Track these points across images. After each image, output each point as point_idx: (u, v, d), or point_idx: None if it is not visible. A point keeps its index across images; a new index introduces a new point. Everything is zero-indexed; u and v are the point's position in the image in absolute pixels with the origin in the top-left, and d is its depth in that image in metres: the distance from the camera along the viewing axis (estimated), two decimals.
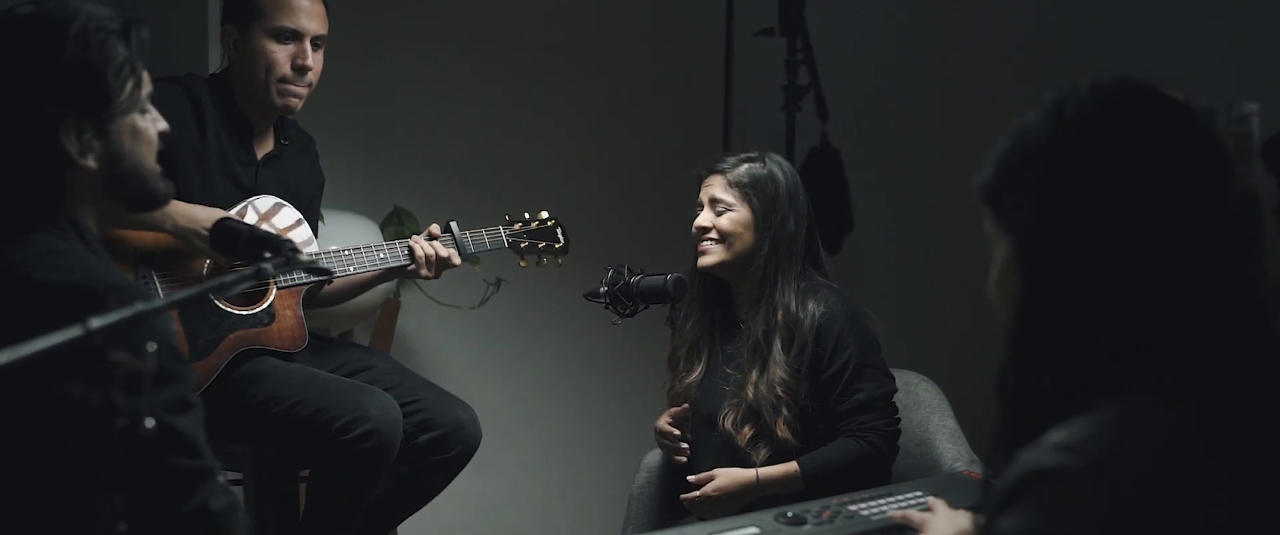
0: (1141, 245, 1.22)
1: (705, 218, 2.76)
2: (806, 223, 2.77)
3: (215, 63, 2.99)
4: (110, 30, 1.68)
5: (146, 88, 1.74)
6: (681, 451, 2.81)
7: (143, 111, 1.74)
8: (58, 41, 1.65)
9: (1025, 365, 1.26)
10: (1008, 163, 1.29)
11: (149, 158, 1.76)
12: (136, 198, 1.78)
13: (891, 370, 2.77)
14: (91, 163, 1.69)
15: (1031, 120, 1.29)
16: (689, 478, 2.73)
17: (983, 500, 1.25)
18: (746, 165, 2.75)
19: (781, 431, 2.66)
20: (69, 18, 1.66)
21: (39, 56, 1.64)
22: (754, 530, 1.90)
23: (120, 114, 1.70)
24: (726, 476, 2.68)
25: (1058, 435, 1.18)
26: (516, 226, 3.02)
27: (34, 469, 1.62)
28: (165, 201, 1.82)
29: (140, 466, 1.58)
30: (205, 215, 2.52)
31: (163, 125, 1.78)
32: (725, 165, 2.76)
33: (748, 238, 2.73)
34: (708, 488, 2.68)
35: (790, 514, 1.96)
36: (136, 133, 1.73)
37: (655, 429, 2.86)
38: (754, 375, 2.71)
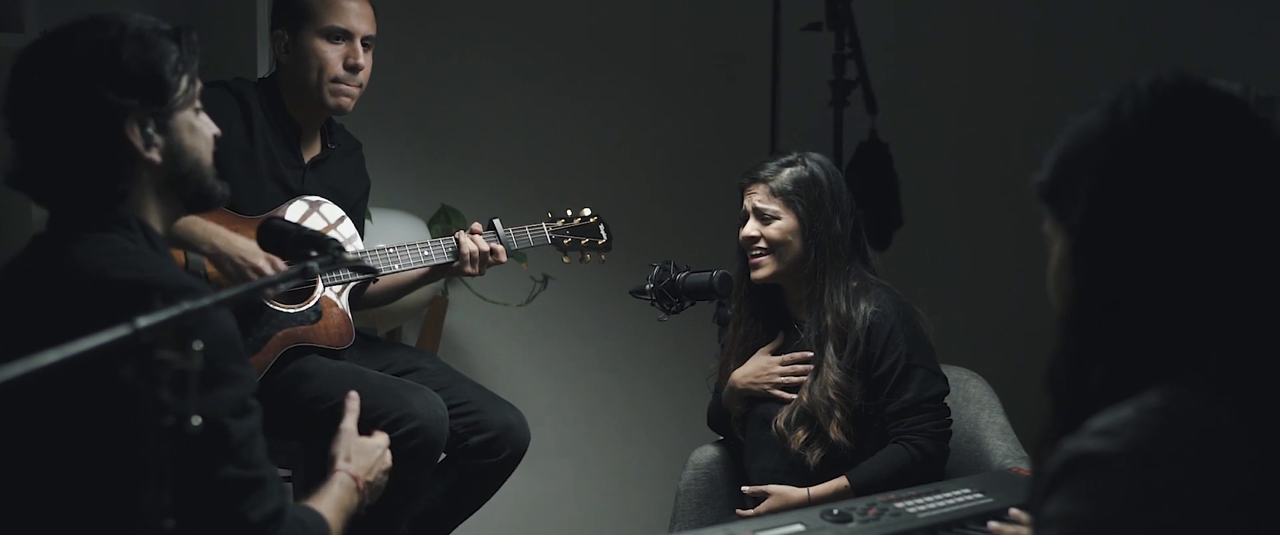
0: (1191, 238, 1.22)
1: (752, 228, 2.74)
2: (852, 220, 2.75)
3: (263, 68, 3.01)
4: (162, 31, 1.76)
5: (199, 88, 1.80)
6: (800, 377, 2.75)
7: (197, 111, 1.80)
8: (116, 40, 1.71)
9: (1076, 356, 1.26)
10: (1064, 159, 1.31)
11: (207, 155, 1.82)
12: (196, 195, 1.82)
13: (943, 372, 2.75)
14: (155, 156, 1.74)
15: (1089, 117, 1.30)
16: (744, 489, 2.72)
17: (1031, 489, 1.25)
18: (788, 170, 2.73)
19: (835, 434, 2.65)
20: (124, 21, 1.74)
21: (99, 55, 1.71)
22: (799, 528, 1.89)
23: (178, 109, 1.76)
24: (780, 497, 2.66)
25: (1099, 421, 1.19)
26: (559, 223, 3.03)
27: (93, 464, 1.65)
28: (222, 202, 1.87)
29: (188, 468, 1.61)
30: (242, 244, 2.55)
31: (214, 129, 1.84)
32: (766, 173, 2.74)
33: (796, 245, 2.71)
34: (761, 507, 2.67)
35: (836, 511, 1.95)
36: (195, 129, 1.79)
37: (765, 377, 2.81)
38: (808, 379, 2.70)
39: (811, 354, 2.73)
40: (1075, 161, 1.29)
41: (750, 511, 2.67)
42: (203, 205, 1.86)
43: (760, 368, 2.78)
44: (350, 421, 2.07)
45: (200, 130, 1.80)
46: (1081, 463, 1.17)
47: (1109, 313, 1.25)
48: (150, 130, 1.73)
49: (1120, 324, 1.24)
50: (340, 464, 2.00)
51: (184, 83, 1.76)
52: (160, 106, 1.74)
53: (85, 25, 1.73)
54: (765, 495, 2.68)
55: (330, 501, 1.93)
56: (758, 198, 2.73)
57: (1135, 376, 1.22)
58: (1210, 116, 1.26)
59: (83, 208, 1.75)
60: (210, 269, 2.58)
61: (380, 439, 2.10)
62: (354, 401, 2.10)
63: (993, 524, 1.91)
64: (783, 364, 2.76)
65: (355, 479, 1.98)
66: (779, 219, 2.71)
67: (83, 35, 1.72)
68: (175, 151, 1.76)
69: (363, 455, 2.05)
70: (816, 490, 2.64)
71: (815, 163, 2.74)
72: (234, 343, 1.70)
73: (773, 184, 2.72)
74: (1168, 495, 1.15)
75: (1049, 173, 1.32)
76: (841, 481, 2.64)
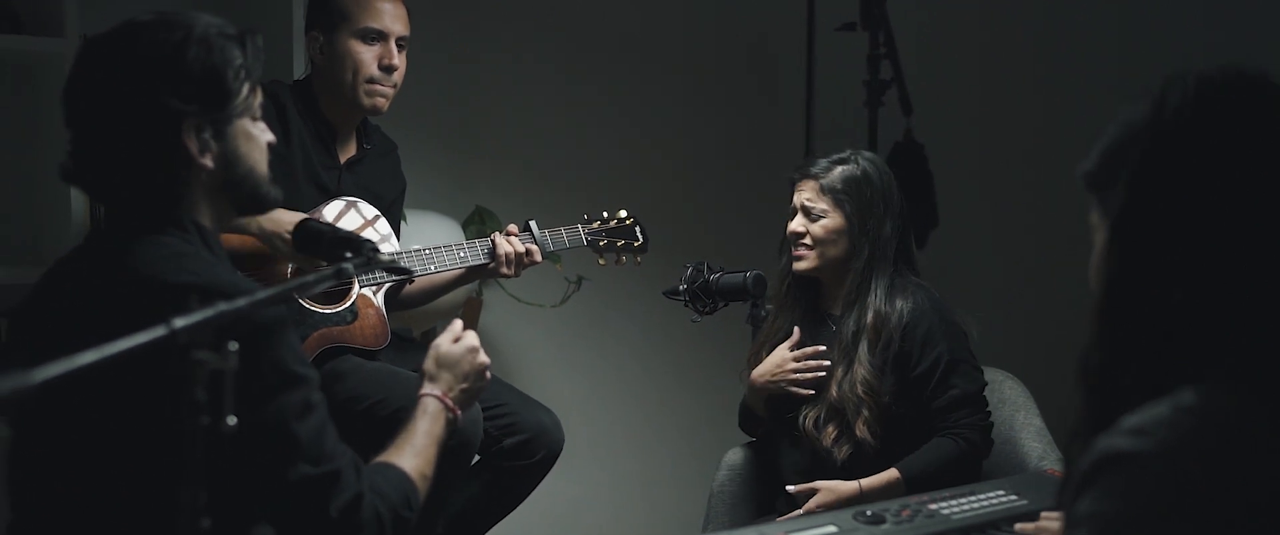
0: (1229, 231, 1.21)
1: (799, 223, 2.73)
2: (901, 222, 2.74)
3: (300, 70, 3.03)
4: (228, 35, 1.76)
5: (259, 96, 1.80)
6: (816, 372, 2.73)
7: (255, 118, 1.80)
8: (180, 43, 1.71)
9: (1109, 350, 1.25)
10: (1110, 149, 1.31)
11: (262, 163, 1.82)
12: (248, 201, 1.83)
13: (980, 366, 2.74)
14: (209, 162, 1.74)
15: (1136, 108, 1.29)
16: (789, 488, 2.68)
17: (1062, 487, 1.25)
18: (839, 168, 2.71)
19: (861, 431, 2.64)
20: (190, 23, 1.74)
21: (163, 57, 1.71)
22: (832, 529, 1.88)
23: (237, 116, 1.77)
24: (830, 490, 2.62)
25: (1132, 419, 1.18)
26: (595, 225, 3.03)
27: (134, 464, 1.67)
28: (275, 206, 1.87)
29: (260, 472, 1.63)
30: (289, 219, 2.56)
31: (270, 136, 1.84)
32: (817, 169, 2.73)
33: (842, 244, 2.70)
34: (811, 504, 2.62)
35: (869, 513, 1.94)
36: (250, 137, 1.80)
37: (780, 373, 2.77)
38: (839, 374, 2.69)
39: (825, 348, 2.72)
40: (1120, 151, 1.29)
41: (800, 510, 2.62)
42: (255, 209, 1.87)
43: (776, 364, 2.76)
44: (444, 337, 2.06)
45: (256, 138, 1.81)
46: (1114, 462, 1.17)
47: (1143, 303, 1.24)
48: (207, 136, 1.74)
49: (1154, 316, 1.23)
50: (425, 386, 2.00)
51: (245, 90, 1.76)
52: (219, 113, 1.74)
53: (153, 24, 1.73)
54: (811, 493, 2.63)
55: (416, 444, 1.91)
56: (806, 194, 2.73)
57: (1168, 371, 1.21)
58: (1255, 110, 1.25)
59: (139, 207, 1.76)
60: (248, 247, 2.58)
61: (469, 340, 2.06)
62: (456, 323, 2.08)
63: (1019, 525, 1.90)
64: (797, 360, 2.74)
65: (442, 399, 1.98)
66: (826, 217, 2.70)
67: (149, 34, 1.72)
68: (230, 158, 1.77)
69: (447, 368, 2.03)
70: (868, 482, 2.62)
71: (868, 162, 2.73)
72: (292, 342, 1.71)
73: (822, 181, 2.71)
74: (1199, 496, 1.14)
75: (1095, 162, 1.32)
76: (893, 473, 2.62)
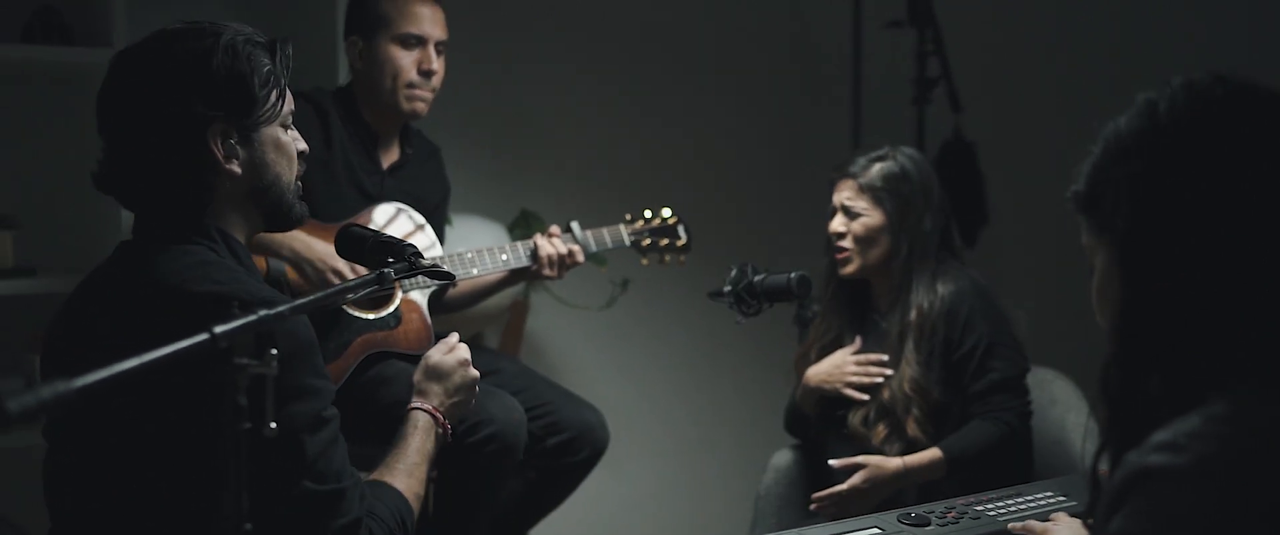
0: (1240, 240, 1.19)
1: (839, 223, 2.72)
2: (943, 216, 2.72)
3: (343, 77, 3.05)
4: (257, 43, 1.78)
5: (289, 104, 1.81)
6: (874, 378, 2.72)
7: (285, 127, 1.81)
8: (208, 49, 1.73)
9: (1130, 366, 1.23)
10: (1102, 166, 1.28)
11: (289, 173, 1.83)
12: (274, 211, 1.84)
13: (1024, 350, 2.72)
14: (236, 168, 1.76)
15: (1123, 122, 1.26)
16: (832, 463, 2.65)
17: (1091, 503, 1.22)
18: (877, 165, 2.70)
19: (912, 430, 2.63)
20: (219, 30, 1.76)
21: (191, 62, 1.73)
22: (876, 532, 1.87)
23: (264, 123, 1.78)
24: (875, 466, 2.61)
25: (1163, 434, 1.15)
26: (638, 225, 3.03)
27: (172, 471, 1.68)
28: (300, 222, 1.88)
29: (266, 482, 1.63)
30: (322, 248, 2.58)
31: (303, 145, 1.85)
32: (855, 168, 2.72)
33: (883, 242, 2.69)
34: (856, 479, 2.61)
35: (913, 514, 1.93)
36: (279, 145, 1.80)
37: (840, 375, 2.78)
38: (889, 372, 2.69)
39: (887, 355, 2.70)
40: (1113, 168, 1.26)
41: (839, 489, 2.61)
42: (279, 222, 1.87)
43: (835, 365, 2.76)
44: (436, 350, 2.08)
45: (286, 147, 1.81)
46: (1146, 478, 1.14)
47: (1160, 319, 1.21)
48: (233, 142, 1.75)
49: (1174, 332, 1.20)
50: (415, 400, 2.02)
51: (273, 97, 1.77)
52: (246, 119, 1.75)
53: (183, 33, 1.76)
54: (854, 469, 2.62)
55: (407, 462, 1.93)
56: (845, 194, 2.72)
57: (1193, 384, 1.18)
58: (1252, 114, 1.23)
59: (166, 215, 1.77)
60: (291, 274, 2.61)
61: (460, 353, 2.08)
62: (452, 336, 2.10)
63: (1012, 525, 1.86)
64: (858, 364, 2.73)
65: (433, 412, 1.99)
66: (865, 215, 2.69)
67: (178, 42, 1.74)
68: (257, 165, 1.78)
69: (437, 380, 2.05)
70: (911, 460, 2.61)
71: (906, 158, 2.72)
72: (312, 355, 1.72)
73: (861, 179, 2.70)
74: (1236, 507, 1.11)
75: (1085, 182, 1.29)
76: (935, 453, 2.61)
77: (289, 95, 1.82)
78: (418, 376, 2.07)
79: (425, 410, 2.01)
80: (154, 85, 1.73)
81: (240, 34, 1.77)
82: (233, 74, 1.73)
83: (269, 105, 1.77)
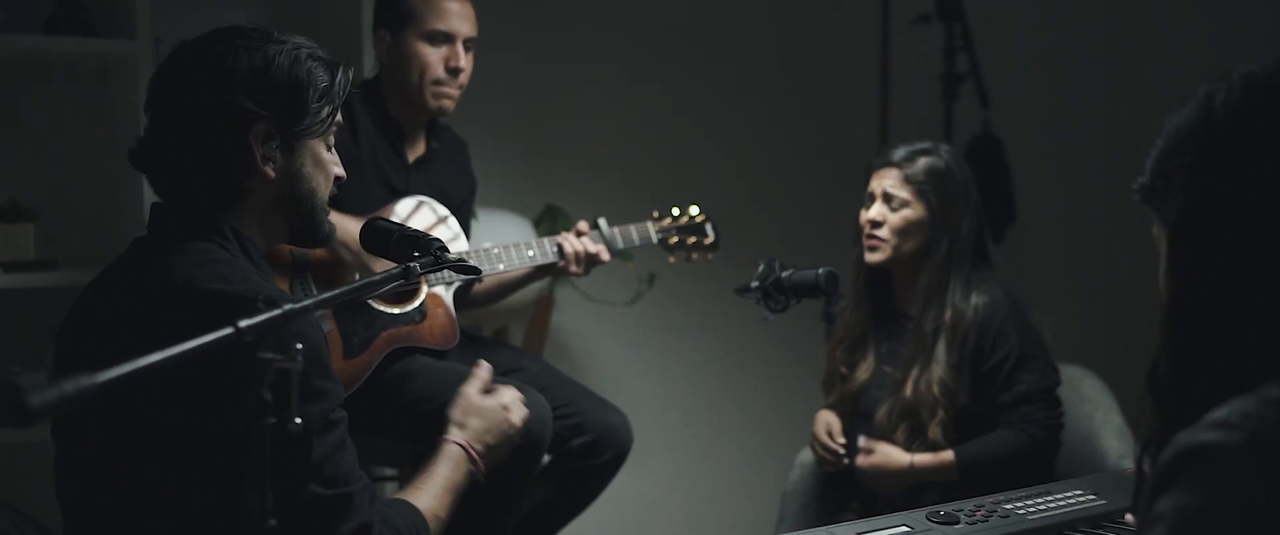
0: None
1: (877, 211, 2.70)
2: (978, 218, 2.71)
3: (369, 70, 3.05)
4: (320, 59, 1.78)
5: (337, 123, 1.81)
6: (836, 464, 2.78)
7: (329, 146, 1.82)
8: (271, 51, 1.74)
9: (1182, 353, 1.21)
10: (1161, 158, 1.28)
11: (324, 190, 1.83)
12: (302, 224, 1.84)
13: (1056, 364, 2.69)
14: (270, 171, 1.76)
15: (1182, 115, 1.26)
16: (861, 440, 2.72)
17: (1136, 486, 1.20)
18: (924, 159, 2.68)
19: (934, 433, 2.61)
20: (286, 38, 1.77)
21: (250, 59, 1.73)
22: (904, 530, 1.85)
23: (309, 135, 1.78)
24: (883, 454, 2.67)
25: (1217, 413, 1.13)
26: (665, 222, 3.01)
27: (193, 467, 1.67)
28: (325, 241, 1.88)
29: (276, 484, 1.63)
30: (355, 228, 2.57)
31: (341, 171, 1.85)
32: (900, 157, 2.70)
33: (920, 237, 2.67)
34: (862, 460, 2.69)
35: (943, 513, 1.90)
36: (319, 162, 1.81)
37: (815, 437, 2.82)
38: (915, 372, 2.67)
39: (846, 442, 2.78)
40: (1171, 160, 1.26)
41: (863, 457, 2.70)
42: (307, 239, 1.87)
43: (823, 422, 2.84)
44: (472, 385, 2.06)
45: (325, 164, 1.82)
46: (1197, 454, 1.12)
47: (1212, 309, 1.20)
48: (274, 146, 1.75)
49: (1223, 320, 1.19)
50: (452, 432, 2.00)
51: (324, 113, 1.78)
52: (292, 127, 1.75)
53: (249, 32, 1.77)
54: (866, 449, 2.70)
55: (433, 487, 1.93)
56: (889, 182, 2.69)
57: (1244, 374, 1.17)
58: None
59: (187, 207, 1.77)
60: (317, 256, 2.60)
61: (504, 396, 2.06)
62: (484, 369, 2.08)
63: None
64: (827, 436, 2.80)
65: (468, 447, 1.97)
66: (907, 207, 2.67)
67: (242, 39, 1.75)
68: (293, 175, 1.78)
69: (478, 417, 2.02)
70: (919, 459, 2.63)
71: (950, 155, 2.71)
72: (320, 356, 1.71)
73: (907, 170, 2.68)
74: None
75: (1149, 175, 1.29)
76: (947, 455, 2.61)
77: (340, 116, 1.82)
78: (456, 412, 2.05)
79: (460, 443, 2.00)
80: (208, 73, 1.73)
81: (305, 46, 1.78)
82: (290, 80, 1.74)
83: (319, 119, 1.78)
